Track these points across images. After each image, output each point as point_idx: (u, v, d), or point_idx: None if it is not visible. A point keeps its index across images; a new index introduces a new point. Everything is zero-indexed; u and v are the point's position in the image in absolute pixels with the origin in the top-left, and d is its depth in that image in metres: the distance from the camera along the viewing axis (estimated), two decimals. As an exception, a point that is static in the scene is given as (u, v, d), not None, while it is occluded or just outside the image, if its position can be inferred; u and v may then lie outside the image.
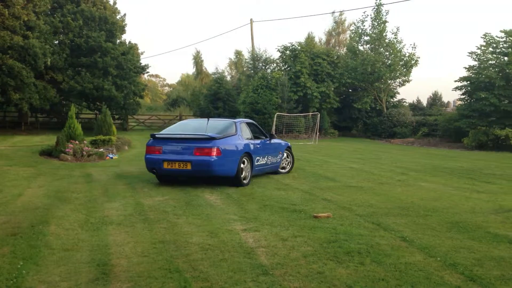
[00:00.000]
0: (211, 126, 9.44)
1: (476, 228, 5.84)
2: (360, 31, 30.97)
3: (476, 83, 23.84)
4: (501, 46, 23.63)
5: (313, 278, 4.00)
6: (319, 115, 26.09)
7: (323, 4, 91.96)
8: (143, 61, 32.44)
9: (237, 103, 30.48)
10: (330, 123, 30.47)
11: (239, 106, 29.50)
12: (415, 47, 29.96)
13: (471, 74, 24.39)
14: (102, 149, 14.17)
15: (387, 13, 29.71)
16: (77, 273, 4.10)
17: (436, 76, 73.77)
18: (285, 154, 11.19)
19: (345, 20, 42.32)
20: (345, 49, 35.55)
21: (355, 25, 32.09)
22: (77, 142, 13.66)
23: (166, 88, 74.42)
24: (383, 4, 29.94)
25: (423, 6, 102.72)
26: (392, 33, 29.98)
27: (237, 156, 8.98)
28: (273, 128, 24.32)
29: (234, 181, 8.97)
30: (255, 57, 34.41)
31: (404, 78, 30.71)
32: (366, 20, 30.48)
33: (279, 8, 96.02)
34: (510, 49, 23.09)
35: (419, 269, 4.26)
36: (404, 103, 34.57)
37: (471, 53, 24.46)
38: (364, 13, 43.81)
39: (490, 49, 23.97)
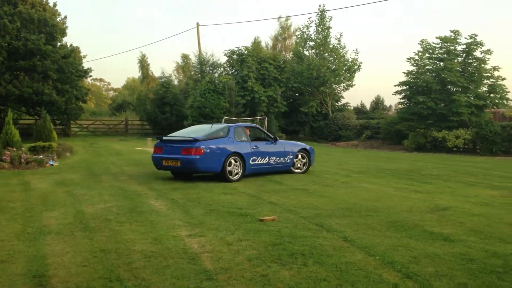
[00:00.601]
0: (212, 129, 10.93)
1: (413, 226, 6.11)
2: (305, 36, 31.54)
3: (415, 88, 24.88)
4: (437, 52, 24.80)
5: (257, 281, 4.03)
6: (266, 119, 26.32)
7: (270, 9, 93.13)
8: (85, 65, 31.44)
9: (185, 108, 30.18)
10: (278, 126, 30.77)
11: (187, 111, 29.21)
12: (357, 53, 31.08)
13: (409, 79, 25.39)
14: (41, 156, 13.59)
15: (330, 19, 30.46)
16: (12, 286, 3.91)
17: (378, 81, 76.45)
18: (299, 156, 12.15)
19: (290, 26, 42.95)
20: (291, 54, 36.07)
21: (300, 30, 32.67)
22: (14, 149, 13.04)
23: (111, 92, 72.64)
24: (327, 10, 30.68)
25: (365, 12, 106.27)
26: (336, 39, 30.81)
27: (222, 155, 10.26)
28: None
29: (221, 177, 10.31)
30: (202, 61, 34.23)
31: (348, 83, 31.55)
32: (311, 26, 31.09)
33: (225, 12, 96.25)
34: (445, 55, 24.28)
35: (359, 268, 4.40)
36: (349, 107, 35.51)
37: (410, 58, 25.52)
38: (309, 18, 44.59)
39: (427, 54, 25.09)
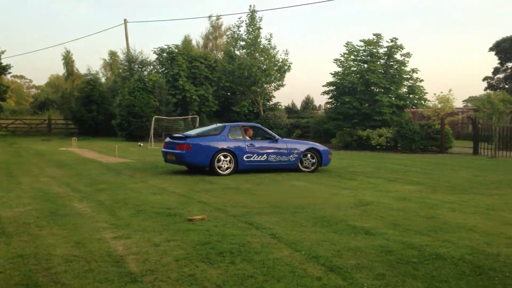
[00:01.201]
0: (208, 128, 12.34)
1: (338, 221, 6.34)
2: (236, 36, 31.69)
3: (341, 88, 25.70)
4: (361, 54, 25.80)
5: (184, 282, 3.99)
6: (198, 118, 26.14)
7: (200, 8, 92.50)
8: (4, 61, 29.58)
9: (113, 106, 29.24)
10: (210, 126, 30.65)
11: (115, 109, 28.33)
12: (287, 53, 31.61)
13: (336, 79, 26.20)
14: (-48, 158, 12.60)
15: (260, 19, 30.82)
16: None
17: (308, 81, 78.49)
18: (307, 155, 12.55)
19: (221, 25, 42.99)
20: (222, 53, 36.07)
21: (231, 30, 32.79)
22: None
23: (33, 90, 68.81)
24: (257, 10, 31.02)
25: (293, 15, 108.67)
26: (266, 39, 31.23)
27: (211, 151, 11.26)
28: (152, 131, 23.74)
29: (210, 170, 11.35)
30: (130, 59, 33.34)
31: (278, 83, 32.10)
32: (242, 26, 31.31)
33: (155, 9, 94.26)
34: (368, 57, 25.36)
35: (285, 263, 4.49)
36: (280, 107, 36.10)
37: (336, 60, 26.35)
38: (239, 18, 44.85)
39: (352, 56, 26.01)
